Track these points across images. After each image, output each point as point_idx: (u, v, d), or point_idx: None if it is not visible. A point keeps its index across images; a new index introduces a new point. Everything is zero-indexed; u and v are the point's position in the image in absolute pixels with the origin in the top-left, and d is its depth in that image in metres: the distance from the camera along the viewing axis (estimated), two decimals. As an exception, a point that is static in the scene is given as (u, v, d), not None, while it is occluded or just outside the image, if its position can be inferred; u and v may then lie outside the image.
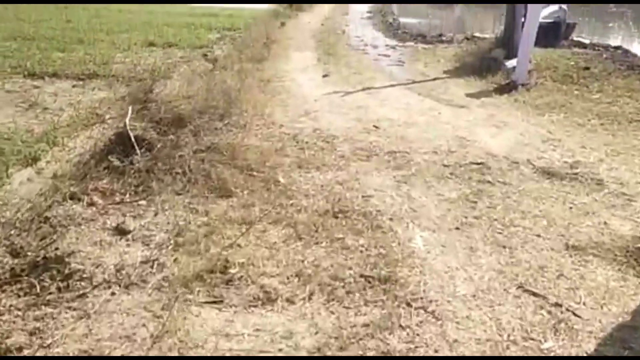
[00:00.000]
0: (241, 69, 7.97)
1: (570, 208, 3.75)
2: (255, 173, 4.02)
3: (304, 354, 2.28)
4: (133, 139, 4.65)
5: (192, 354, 2.26)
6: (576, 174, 4.41)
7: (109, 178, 4.02)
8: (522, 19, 8.27)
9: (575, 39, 10.73)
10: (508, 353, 2.32)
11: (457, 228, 3.41)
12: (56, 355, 2.25)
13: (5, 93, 6.66)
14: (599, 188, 4.14)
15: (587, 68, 8.29)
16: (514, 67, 7.87)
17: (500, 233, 3.36)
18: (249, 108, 5.69)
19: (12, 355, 2.25)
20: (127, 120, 4.93)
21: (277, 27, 13.31)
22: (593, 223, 3.54)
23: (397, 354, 2.29)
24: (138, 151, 4.58)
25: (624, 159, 4.78)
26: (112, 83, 7.34)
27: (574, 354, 2.33)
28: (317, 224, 3.34)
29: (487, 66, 8.39)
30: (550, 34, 9.79)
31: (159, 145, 4.59)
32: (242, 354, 2.27)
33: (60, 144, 4.96)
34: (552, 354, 2.33)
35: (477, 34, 12.16)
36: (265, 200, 3.64)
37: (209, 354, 2.26)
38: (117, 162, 4.36)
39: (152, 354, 2.25)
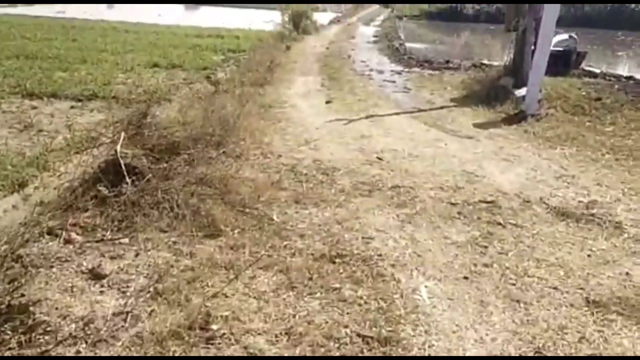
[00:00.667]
0: (242, 93, 7.76)
1: (589, 256, 3.44)
2: (247, 209, 3.74)
3: None
4: (123, 167, 4.41)
5: None
6: (593, 215, 4.11)
7: (93, 211, 3.77)
8: (532, 47, 8.06)
9: (585, 68, 10.49)
10: None
11: (466, 277, 3.10)
12: None
13: (1, 114, 6.46)
14: (617, 232, 3.84)
15: (598, 99, 8.04)
16: (524, 97, 7.62)
17: (513, 284, 3.05)
18: (246, 136, 5.44)
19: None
20: (118, 147, 4.69)
21: (282, 51, 13.18)
22: (614, 274, 3.24)
23: None
24: (128, 180, 4.33)
25: (643, 199, 4.48)
26: (112, 104, 7.14)
27: None
28: (312, 270, 3.05)
29: (495, 95, 8.15)
30: (560, 63, 9.57)
31: (149, 175, 4.34)
32: None
33: (51, 169, 4.75)
34: None
35: (485, 61, 11.97)
36: (257, 241, 3.35)
37: None
38: (105, 192, 4.12)
39: None
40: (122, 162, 4.47)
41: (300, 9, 18.60)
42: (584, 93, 8.44)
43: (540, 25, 7.44)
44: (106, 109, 6.92)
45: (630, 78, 9.94)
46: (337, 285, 2.92)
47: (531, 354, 2.46)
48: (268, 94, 8.12)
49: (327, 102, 7.75)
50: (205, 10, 31.45)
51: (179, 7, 32.74)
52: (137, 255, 3.18)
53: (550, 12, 7.13)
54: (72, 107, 7.06)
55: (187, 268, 3.03)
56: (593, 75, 10.08)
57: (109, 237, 3.39)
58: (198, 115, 5.91)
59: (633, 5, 26.59)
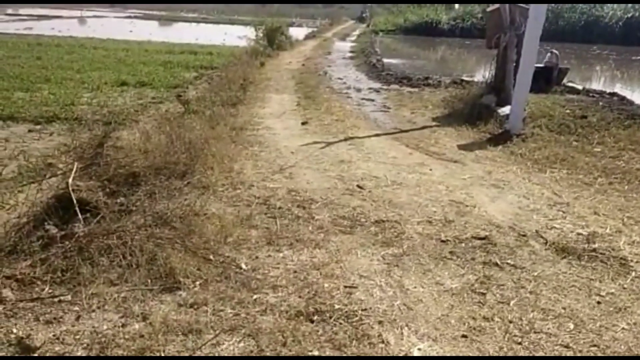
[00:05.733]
0: (213, 113, 7.30)
1: (598, 302, 3.06)
2: (212, 255, 3.26)
3: None
4: (75, 203, 3.93)
5: None
6: (594, 250, 3.74)
7: (34, 258, 3.26)
8: (514, 64, 7.80)
9: (567, 84, 10.29)
10: None
11: (464, 336, 2.68)
12: None
13: (-50, 139, 5.91)
14: (624, 271, 3.47)
15: (584, 117, 7.79)
16: (508, 115, 7.32)
17: (519, 343, 2.64)
18: (215, 163, 4.97)
19: None
20: (69, 180, 4.21)
21: (256, 67, 12.77)
22: (629, 324, 2.85)
23: None
24: (80, 217, 3.85)
25: (645, 230, 4.14)
26: (74, 127, 6.63)
27: None
28: (286, 332, 2.59)
29: (478, 113, 7.84)
30: (542, 79, 9.35)
31: (102, 213, 3.86)
32: None
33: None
34: None
35: (464, 77, 11.72)
36: (221, 296, 2.88)
37: None
38: (53, 231, 3.63)
39: None
40: (73, 196, 4.00)
41: (275, 24, 18.26)
42: (568, 111, 8.19)
43: (523, 41, 7.18)
44: (67, 132, 6.40)
45: (614, 94, 9.75)
46: (316, 353, 2.47)
47: None
48: (241, 115, 7.68)
49: (303, 123, 7.33)
50: (179, 26, 31.03)
51: (153, 23, 32.31)
52: (78, 318, 2.68)
53: (533, 28, 6.86)
54: (29, 130, 6.55)
55: (137, 334, 2.54)
56: (575, 91, 9.87)
57: (48, 293, 2.88)
58: (163, 140, 5.44)
59: (607, 19, 26.97)
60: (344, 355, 2.47)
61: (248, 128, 6.85)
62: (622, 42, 25.16)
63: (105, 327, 2.59)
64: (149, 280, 3.00)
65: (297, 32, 24.89)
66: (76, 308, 2.75)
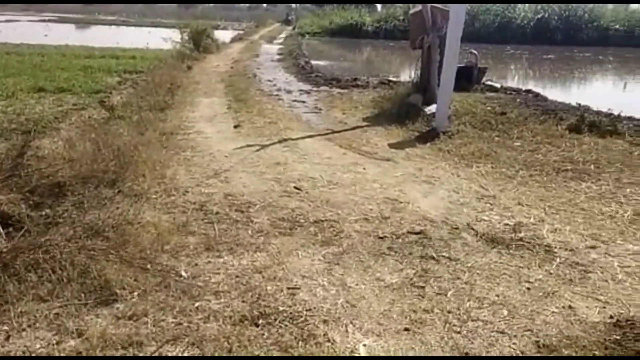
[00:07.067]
0: (141, 119, 7.08)
1: (528, 289, 3.23)
2: (149, 265, 3.16)
3: None
4: (-5, 217, 3.70)
5: None
6: (521, 239, 3.95)
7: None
8: (437, 64, 8.10)
9: (486, 83, 10.80)
10: None
11: (407, 329, 2.75)
12: None
13: None
14: (549, 257, 3.68)
15: (503, 113, 8.20)
16: (434, 114, 7.59)
17: (458, 332, 2.74)
18: (146, 170, 4.82)
19: None
20: (-13, 193, 3.95)
21: (183, 71, 12.50)
22: (558, 308, 3.03)
23: None
24: (2, 232, 3.62)
25: (564, 218, 4.41)
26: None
27: None
28: (231, 338, 2.55)
29: (406, 112, 8.07)
30: (463, 79, 9.75)
31: (27, 226, 3.65)
32: None
33: None
34: None
35: (391, 78, 12.03)
36: (162, 306, 2.80)
37: None
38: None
39: None
40: (-7, 210, 3.77)
41: (200, 27, 17.94)
42: (489, 108, 8.59)
43: (445, 42, 7.46)
44: (-21, 143, 5.97)
45: (529, 91, 10.34)
46: (263, 356, 2.45)
47: (493, 423, 2.13)
48: (170, 119, 7.49)
49: (236, 127, 7.25)
50: (98, 29, 29.81)
51: (69, 27, 30.86)
52: (8, 337, 2.52)
53: (454, 29, 7.14)
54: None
55: (74, 351, 2.42)
56: (494, 89, 10.38)
57: (-29, 315, 2.69)
58: (88, 148, 5.21)
59: (519, 21, 28.55)
60: (291, 356, 2.47)
61: (179, 133, 6.69)
62: (533, 41, 26.77)
63: (38, 345, 2.45)
64: (83, 295, 2.86)
65: (223, 35, 24.60)
66: (5, 327, 2.59)
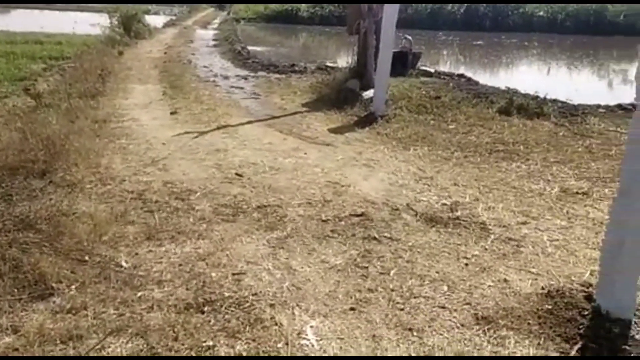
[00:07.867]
0: (70, 106, 6.76)
1: (466, 265, 3.36)
2: (87, 257, 3.05)
3: None
4: None
5: None
6: (458, 218, 4.10)
7: None
8: (374, 49, 8.20)
9: (421, 68, 11.05)
10: None
11: (352, 309, 2.81)
12: None
13: None
14: (484, 234, 3.85)
15: (438, 97, 8.43)
16: (371, 98, 7.70)
17: (402, 309, 2.82)
18: (79, 159, 4.62)
19: None
20: None
21: (114, 57, 12.02)
22: (493, 282, 3.18)
23: None
24: None
25: (498, 196, 4.61)
26: None
27: None
28: (176, 326, 2.52)
29: (344, 98, 8.14)
30: (398, 64, 9.91)
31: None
32: None
33: None
34: None
35: (329, 63, 12.06)
36: (102, 297, 2.71)
37: None
38: None
39: None
40: None
41: (130, 12, 17.25)
42: (424, 92, 8.79)
43: (381, 27, 7.56)
44: None
45: (461, 76, 10.67)
46: (210, 343, 2.43)
47: (437, 393, 2.23)
48: (102, 107, 7.20)
49: (172, 113, 7.07)
50: (19, 13, 28.03)
51: (-15, 10, 28.84)
52: None
53: (389, 14, 7.24)
54: None
55: (10, 348, 2.31)
56: (428, 74, 10.63)
57: None
58: (15, 137, 4.93)
59: (449, 7, 29.22)
60: (239, 345, 2.47)
61: (112, 120, 6.45)
62: (464, 28, 27.48)
63: (-32, 346, 2.32)
64: (16, 290, 2.73)
65: (155, 20, 23.78)
66: None
